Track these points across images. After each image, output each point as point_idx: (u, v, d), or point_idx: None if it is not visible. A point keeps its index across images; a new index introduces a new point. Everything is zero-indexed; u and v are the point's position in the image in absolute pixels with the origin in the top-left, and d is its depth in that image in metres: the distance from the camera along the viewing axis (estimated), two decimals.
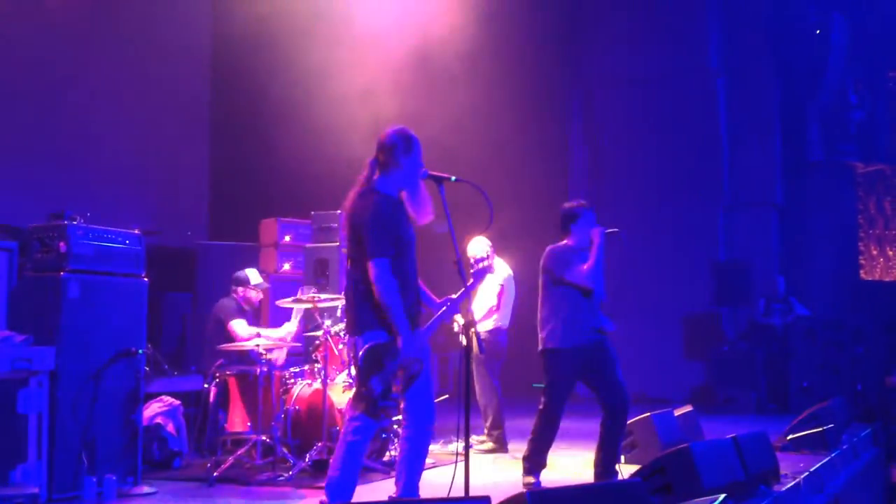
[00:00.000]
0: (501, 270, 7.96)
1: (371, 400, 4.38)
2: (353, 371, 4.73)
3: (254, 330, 7.23)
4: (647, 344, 12.81)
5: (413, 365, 4.42)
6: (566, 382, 5.97)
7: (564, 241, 6.06)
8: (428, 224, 4.70)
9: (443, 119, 10.80)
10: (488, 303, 7.83)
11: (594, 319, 5.94)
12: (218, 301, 7.56)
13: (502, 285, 7.88)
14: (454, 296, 4.69)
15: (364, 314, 4.49)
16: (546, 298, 6.04)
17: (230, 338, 7.23)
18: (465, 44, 10.54)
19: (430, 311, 4.72)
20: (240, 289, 7.53)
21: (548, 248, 6.06)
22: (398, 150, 4.59)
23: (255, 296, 7.58)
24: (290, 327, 7.40)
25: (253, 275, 7.58)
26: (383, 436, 6.53)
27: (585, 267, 5.85)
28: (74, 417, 5.48)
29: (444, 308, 4.69)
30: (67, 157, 9.70)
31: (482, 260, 7.56)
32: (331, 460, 4.62)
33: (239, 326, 7.30)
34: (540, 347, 6.02)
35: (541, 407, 5.99)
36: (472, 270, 4.69)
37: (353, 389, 4.71)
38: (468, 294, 4.60)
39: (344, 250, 4.75)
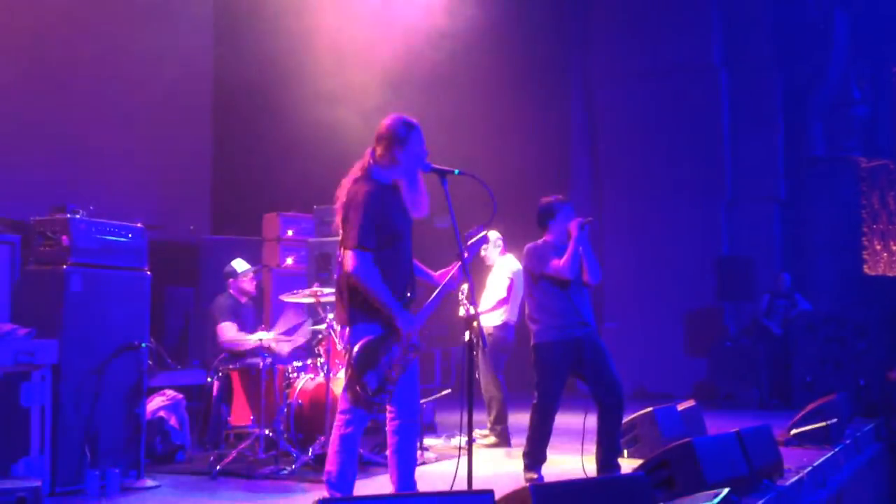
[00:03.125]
0: (511, 265, 7.95)
1: (365, 396, 4.33)
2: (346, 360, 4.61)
3: (239, 335, 7.06)
4: (650, 339, 12.83)
5: (410, 351, 4.32)
6: (556, 375, 5.94)
7: (543, 238, 6.07)
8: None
9: (444, 115, 10.78)
10: (498, 295, 7.82)
11: (580, 313, 5.92)
12: (214, 298, 7.51)
13: (512, 279, 7.87)
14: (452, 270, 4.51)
15: (354, 305, 4.36)
16: (530, 295, 6.08)
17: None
18: (466, 39, 10.51)
19: (430, 286, 4.57)
20: (231, 281, 7.51)
21: (527, 247, 6.07)
22: (394, 144, 4.41)
23: (248, 285, 7.53)
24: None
25: (238, 264, 7.53)
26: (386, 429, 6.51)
27: (562, 262, 5.83)
28: (77, 411, 5.49)
29: (443, 283, 4.51)
30: (70, 151, 9.68)
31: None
32: (327, 455, 4.57)
33: (226, 329, 7.19)
34: (531, 342, 6.05)
35: (534, 402, 5.99)
36: (467, 243, 4.46)
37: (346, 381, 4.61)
38: (466, 266, 4.40)
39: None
